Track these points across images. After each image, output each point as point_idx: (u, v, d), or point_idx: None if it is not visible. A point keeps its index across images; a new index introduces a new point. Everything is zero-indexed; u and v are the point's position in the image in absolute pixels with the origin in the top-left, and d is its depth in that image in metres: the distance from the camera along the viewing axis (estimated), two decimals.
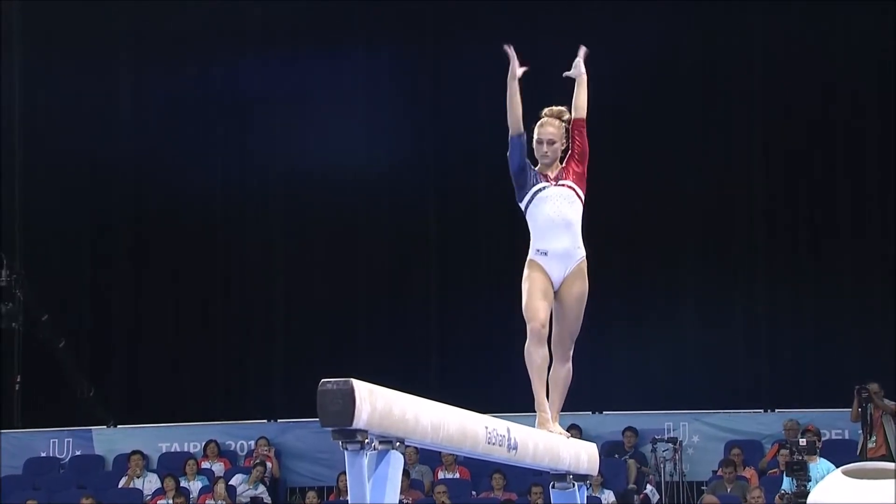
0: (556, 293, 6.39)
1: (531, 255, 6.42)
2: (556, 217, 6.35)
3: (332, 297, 17.87)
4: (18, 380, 17.15)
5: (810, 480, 11.98)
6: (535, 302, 6.28)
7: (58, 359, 17.15)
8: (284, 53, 18.15)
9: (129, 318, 18.21)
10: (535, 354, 6.24)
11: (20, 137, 17.66)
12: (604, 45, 16.79)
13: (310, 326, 17.78)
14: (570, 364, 6.46)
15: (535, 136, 6.39)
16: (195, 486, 15.44)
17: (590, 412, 15.73)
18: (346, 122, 17.87)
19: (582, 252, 6.43)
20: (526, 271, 6.39)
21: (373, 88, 18.12)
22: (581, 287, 6.43)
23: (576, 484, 6.56)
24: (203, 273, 18.21)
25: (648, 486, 14.67)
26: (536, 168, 6.43)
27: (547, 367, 6.33)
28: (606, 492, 14.37)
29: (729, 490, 14.23)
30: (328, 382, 4.31)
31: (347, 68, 18.05)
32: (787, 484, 12.98)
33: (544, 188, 6.35)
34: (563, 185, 6.36)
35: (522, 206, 6.44)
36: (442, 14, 17.77)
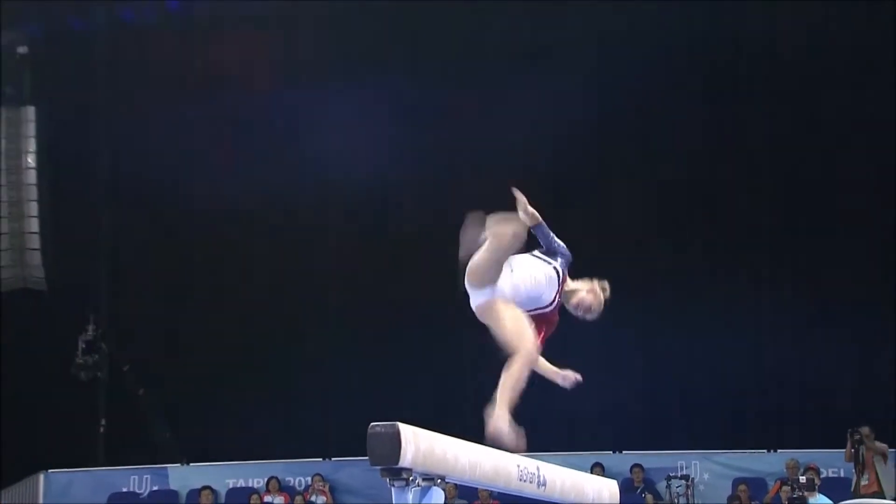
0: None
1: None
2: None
3: (370, 339, 17.67)
4: (103, 423, 17.79)
5: None
6: (521, 324, 5.87)
7: (138, 405, 17.65)
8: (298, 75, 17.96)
9: (200, 367, 18.17)
10: (525, 375, 5.79)
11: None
12: (606, 45, 16.81)
13: (360, 371, 17.69)
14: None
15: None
16: None
17: (610, 451, 16.14)
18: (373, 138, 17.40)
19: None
20: (498, 306, 5.88)
21: (386, 107, 17.61)
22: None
23: None
24: (269, 321, 18.12)
25: None
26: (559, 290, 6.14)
27: None
28: None
29: None
30: (377, 426, 4.54)
31: (355, 84, 17.69)
32: None
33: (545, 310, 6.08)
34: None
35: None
36: (452, 33, 17.78)
